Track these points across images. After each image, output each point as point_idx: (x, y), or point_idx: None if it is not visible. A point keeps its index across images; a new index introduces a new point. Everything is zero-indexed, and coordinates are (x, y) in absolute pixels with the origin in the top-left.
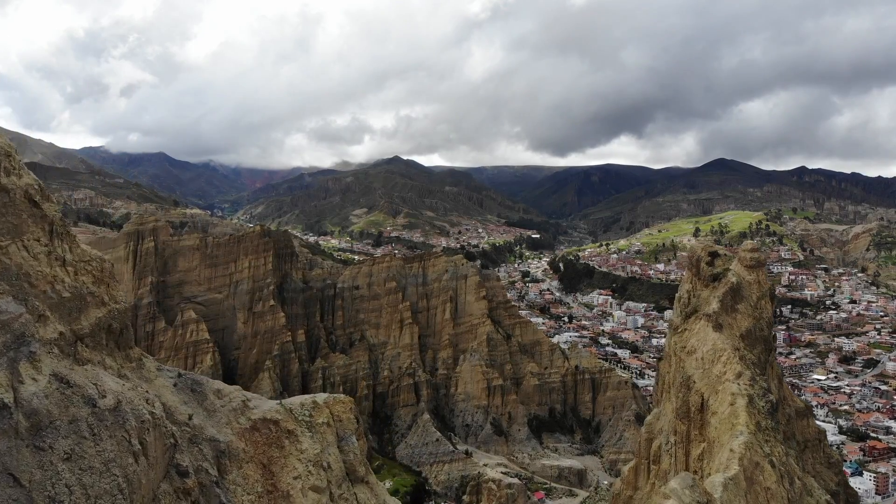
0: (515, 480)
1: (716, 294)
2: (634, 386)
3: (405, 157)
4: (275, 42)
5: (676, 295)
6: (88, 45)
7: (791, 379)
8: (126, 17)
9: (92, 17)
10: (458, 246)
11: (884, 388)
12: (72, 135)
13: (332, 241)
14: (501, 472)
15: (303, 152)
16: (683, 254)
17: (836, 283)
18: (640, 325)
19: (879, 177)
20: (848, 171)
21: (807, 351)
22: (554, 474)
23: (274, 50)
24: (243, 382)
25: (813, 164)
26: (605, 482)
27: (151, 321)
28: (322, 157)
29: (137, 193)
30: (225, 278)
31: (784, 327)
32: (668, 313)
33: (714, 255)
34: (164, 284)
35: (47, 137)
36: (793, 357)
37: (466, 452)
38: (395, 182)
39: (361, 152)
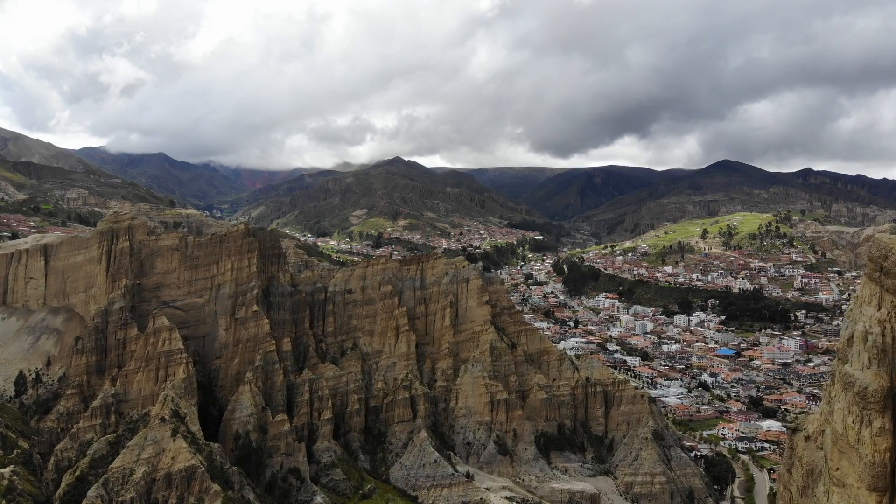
0: None
1: None
2: (651, 400)
3: (406, 158)
4: (280, 40)
5: (856, 329)
6: (91, 43)
7: (811, 388)
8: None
9: (94, 14)
10: (460, 248)
11: None
12: (71, 135)
13: (332, 242)
14: (506, 498)
15: (303, 153)
16: (692, 256)
17: (851, 287)
18: (648, 331)
19: (885, 179)
20: (851, 172)
21: (825, 358)
22: (564, 499)
23: (279, 48)
24: (224, 395)
25: (816, 167)
26: None
27: (123, 328)
28: (323, 158)
29: (133, 193)
30: (206, 281)
31: (800, 333)
32: (678, 318)
33: None
34: (141, 287)
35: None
36: (811, 365)
37: (467, 475)
38: (395, 183)
39: (362, 153)
